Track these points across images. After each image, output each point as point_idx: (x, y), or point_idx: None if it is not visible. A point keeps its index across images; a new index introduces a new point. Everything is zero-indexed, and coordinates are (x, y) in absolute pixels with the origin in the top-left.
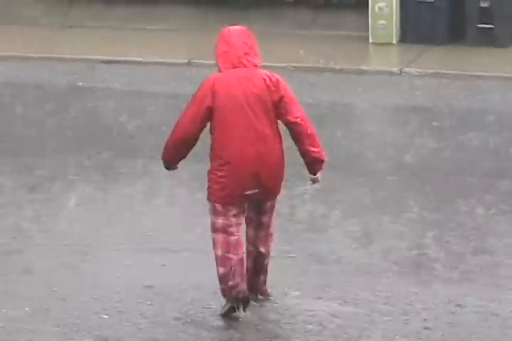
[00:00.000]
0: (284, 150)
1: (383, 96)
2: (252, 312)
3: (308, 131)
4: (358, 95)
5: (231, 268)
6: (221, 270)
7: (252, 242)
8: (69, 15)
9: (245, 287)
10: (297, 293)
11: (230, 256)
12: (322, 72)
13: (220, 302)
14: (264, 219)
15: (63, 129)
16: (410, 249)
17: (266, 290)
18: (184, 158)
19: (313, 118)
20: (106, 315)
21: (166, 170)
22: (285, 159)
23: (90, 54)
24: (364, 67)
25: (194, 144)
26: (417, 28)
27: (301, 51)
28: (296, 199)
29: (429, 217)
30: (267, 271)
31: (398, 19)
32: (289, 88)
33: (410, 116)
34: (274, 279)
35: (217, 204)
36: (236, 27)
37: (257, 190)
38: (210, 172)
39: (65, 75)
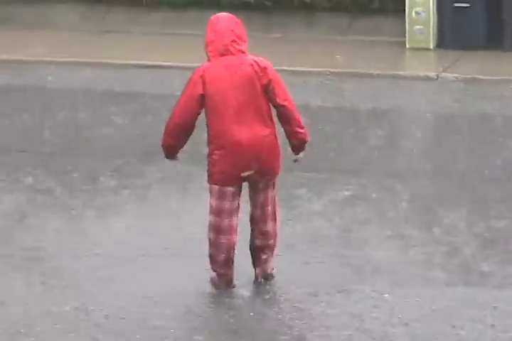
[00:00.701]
0: None
1: (420, 102)
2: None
3: (295, 114)
4: (395, 100)
5: (221, 252)
6: (212, 251)
7: (255, 221)
8: (106, 21)
9: (231, 276)
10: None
11: (221, 239)
12: (359, 77)
13: None
14: (263, 197)
15: (104, 133)
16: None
17: (267, 270)
18: (182, 147)
19: (351, 123)
20: None
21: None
22: (276, 137)
23: (128, 59)
24: (401, 73)
25: (191, 131)
26: (454, 33)
27: (337, 56)
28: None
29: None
30: (272, 251)
31: (435, 24)
32: (276, 73)
33: (448, 122)
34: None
35: (213, 186)
36: (224, 14)
37: (252, 172)
38: (208, 156)
39: (102, 80)
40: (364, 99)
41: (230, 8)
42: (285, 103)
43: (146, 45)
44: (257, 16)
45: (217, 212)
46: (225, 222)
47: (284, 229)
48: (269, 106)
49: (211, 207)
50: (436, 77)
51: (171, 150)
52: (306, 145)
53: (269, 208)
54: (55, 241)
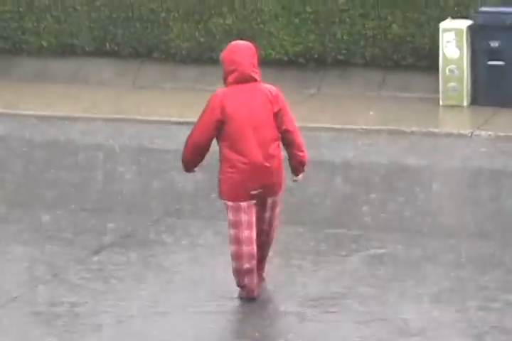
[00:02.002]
0: None
1: (454, 159)
2: None
3: (298, 139)
4: (428, 158)
5: (243, 261)
6: (235, 263)
7: (259, 234)
8: (139, 76)
9: (254, 289)
10: None
11: (243, 250)
12: (392, 134)
13: None
14: (268, 214)
15: (135, 190)
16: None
17: (261, 274)
18: (200, 162)
19: (384, 179)
20: None
21: None
22: (281, 159)
23: (161, 115)
24: (434, 130)
25: (207, 150)
26: (488, 91)
27: (371, 113)
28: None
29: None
30: (266, 257)
31: (469, 81)
32: (285, 101)
33: (482, 180)
34: None
35: (229, 202)
36: (241, 42)
37: (261, 190)
38: (220, 174)
39: (134, 136)
40: (397, 156)
41: (265, 64)
42: (290, 129)
43: (179, 100)
44: (292, 73)
45: (235, 224)
46: (245, 234)
47: (317, 284)
48: (277, 130)
49: (229, 220)
50: (470, 135)
51: (190, 166)
52: (306, 167)
53: (275, 223)
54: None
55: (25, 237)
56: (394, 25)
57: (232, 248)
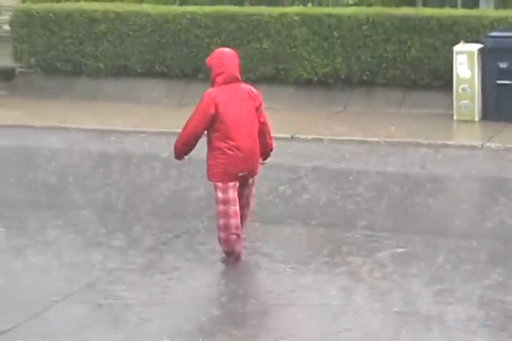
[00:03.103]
0: None
1: (467, 168)
2: None
3: (269, 130)
4: (444, 167)
5: (230, 233)
6: (221, 234)
7: (241, 206)
8: (186, 95)
9: (240, 251)
10: None
11: (230, 222)
12: (411, 146)
13: None
14: (249, 191)
15: (184, 195)
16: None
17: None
18: (189, 152)
19: (403, 187)
20: None
21: None
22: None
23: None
24: (449, 142)
25: (197, 142)
26: (496, 107)
27: (392, 127)
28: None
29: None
30: (244, 222)
31: (480, 99)
32: (262, 99)
33: (492, 186)
34: None
35: (218, 183)
36: (227, 49)
37: (246, 173)
38: (209, 159)
39: None
40: (415, 166)
41: (295, 84)
42: (265, 121)
43: None
44: (320, 92)
45: (224, 201)
46: (232, 209)
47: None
48: (258, 122)
49: (218, 198)
50: (481, 147)
51: (181, 155)
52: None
53: (247, 199)
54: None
55: (85, 237)
56: (412, 49)
57: (221, 221)
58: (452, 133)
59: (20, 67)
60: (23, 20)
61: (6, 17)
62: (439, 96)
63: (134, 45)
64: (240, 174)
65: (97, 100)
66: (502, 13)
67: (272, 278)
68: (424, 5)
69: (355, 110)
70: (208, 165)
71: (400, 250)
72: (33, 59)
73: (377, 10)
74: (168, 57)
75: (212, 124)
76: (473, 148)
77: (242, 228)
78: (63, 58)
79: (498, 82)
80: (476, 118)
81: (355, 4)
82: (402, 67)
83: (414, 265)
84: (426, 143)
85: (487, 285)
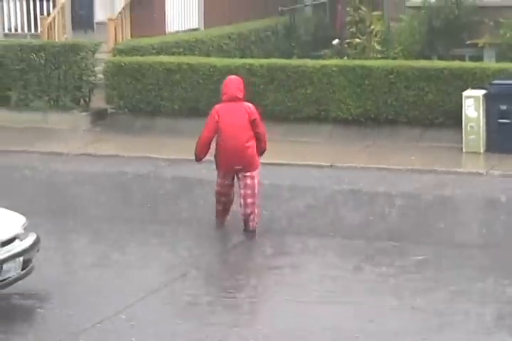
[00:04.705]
0: None
1: (474, 191)
2: None
3: (263, 137)
4: (455, 190)
5: (220, 205)
6: (216, 206)
7: (244, 197)
8: None
9: (224, 219)
10: None
11: (222, 199)
12: (427, 173)
13: None
14: (248, 182)
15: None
16: None
17: (254, 227)
18: (207, 153)
19: (422, 206)
20: None
21: None
22: (255, 150)
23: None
24: (459, 170)
25: (210, 144)
26: (499, 141)
27: (412, 157)
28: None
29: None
30: (254, 214)
31: (484, 135)
32: (258, 114)
33: (495, 206)
34: None
35: (220, 172)
36: (233, 76)
37: (240, 167)
38: (215, 156)
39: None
40: (431, 189)
41: (335, 122)
42: (260, 131)
43: (273, 148)
44: (354, 129)
45: (221, 185)
46: (225, 189)
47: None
48: (252, 131)
49: (217, 182)
50: (485, 173)
51: (201, 156)
52: (264, 153)
53: (252, 190)
54: None
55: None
56: (429, 94)
57: (216, 196)
58: (462, 162)
59: (111, 109)
60: (114, 71)
61: (100, 68)
62: (451, 133)
63: (203, 90)
64: (236, 167)
65: (173, 135)
66: (502, 65)
67: (314, 279)
68: (439, 58)
69: (382, 144)
70: (215, 157)
71: (420, 257)
72: (122, 102)
73: (400, 62)
74: None
75: (217, 130)
76: (479, 174)
77: (250, 207)
78: (146, 101)
79: (500, 120)
80: (482, 151)
81: (382, 58)
82: (421, 109)
83: (433, 270)
84: (440, 170)
85: (495, 285)
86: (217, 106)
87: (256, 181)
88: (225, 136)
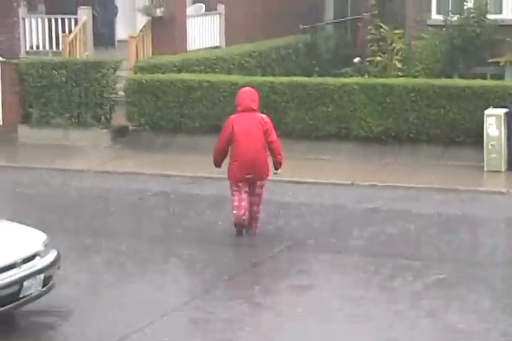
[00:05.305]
0: None
1: (495, 209)
2: None
3: (277, 147)
4: (477, 208)
5: (240, 215)
6: (235, 214)
7: (251, 204)
8: None
9: (246, 224)
10: None
11: (240, 206)
12: (449, 191)
13: None
14: (257, 191)
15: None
16: None
17: (254, 231)
18: (223, 160)
19: (444, 225)
20: None
21: None
22: (267, 159)
23: (279, 176)
24: (481, 188)
25: (227, 152)
26: None
27: (433, 176)
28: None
29: None
30: (257, 219)
31: (506, 153)
32: (271, 124)
33: None
34: None
35: (233, 182)
36: (248, 88)
37: (252, 175)
38: (229, 165)
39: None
40: (452, 208)
41: (356, 140)
42: (273, 140)
43: (293, 166)
44: (375, 146)
45: (235, 197)
46: (239, 204)
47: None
48: (265, 141)
49: (232, 191)
50: (506, 192)
51: (218, 163)
52: (282, 165)
53: (259, 198)
54: None
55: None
56: (450, 112)
57: (233, 205)
58: (483, 181)
59: (132, 126)
60: (135, 88)
61: (121, 85)
62: (472, 151)
63: (224, 108)
64: (247, 176)
65: (194, 153)
66: None
67: (338, 293)
68: (460, 77)
69: (403, 162)
70: (228, 168)
71: (441, 276)
72: (143, 119)
73: (422, 81)
74: None
75: (231, 139)
76: (501, 193)
77: (254, 214)
78: (166, 118)
79: None
80: (503, 169)
81: (403, 76)
82: (442, 127)
83: (454, 288)
84: (462, 189)
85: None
86: (231, 117)
87: (264, 190)
88: (239, 145)
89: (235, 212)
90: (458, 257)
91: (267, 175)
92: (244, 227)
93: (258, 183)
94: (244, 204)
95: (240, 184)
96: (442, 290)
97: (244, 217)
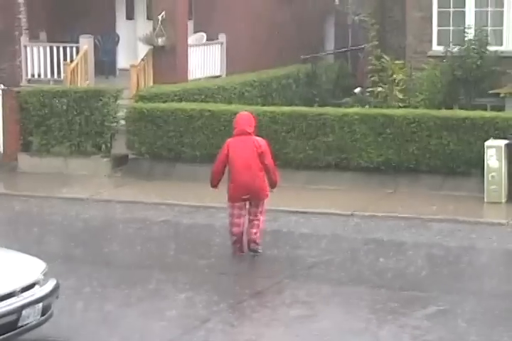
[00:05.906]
0: None
1: (495, 241)
2: None
3: (272, 169)
4: (476, 240)
5: (236, 237)
6: (231, 230)
7: (250, 221)
8: None
9: (241, 247)
10: None
11: (235, 229)
12: (449, 222)
13: None
14: (255, 210)
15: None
16: None
17: (256, 246)
18: (220, 181)
19: (445, 256)
20: None
21: None
22: (263, 181)
23: (280, 206)
24: (480, 220)
25: (223, 173)
26: None
27: (434, 207)
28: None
29: None
30: (256, 234)
31: (506, 185)
32: (267, 147)
33: None
34: None
35: (229, 203)
36: (245, 112)
37: (248, 196)
38: (228, 187)
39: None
40: (452, 239)
41: (356, 170)
42: (268, 163)
43: (293, 196)
44: (375, 177)
45: (231, 215)
46: (234, 220)
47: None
48: (260, 163)
49: (229, 212)
50: (506, 223)
51: (214, 183)
52: (276, 185)
53: (258, 217)
54: None
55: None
56: (451, 143)
57: (229, 227)
58: (483, 212)
59: (132, 154)
60: (136, 117)
61: (122, 114)
62: (472, 182)
63: (224, 137)
64: (244, 197)
65: (194, 182)
66: None
67: (339, 331)
68: (460, 108)
69: (404, 192)
70: (227, 190)
71: (442, 308)
72: (143, 148)
73: (422, 111)
74: None
75: (227, 161)
76: (500, 225)
77: (255, 234)
78: (167, 147)
79: None
80: (503, 201)
81: (404, 106)
82: (442, 158)
83: (455, 320)
84: (462, 219)
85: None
86: (228, 140)
87: (263, 210)
88: (235, 167)
89: (231, 228)
90: (458, 289)
91: (265, 195)
92: (240, 242)
93: (255, 203)
94: (240, 220)
95: (237, 204)
96: (443, 322)
97: (240, 229)
